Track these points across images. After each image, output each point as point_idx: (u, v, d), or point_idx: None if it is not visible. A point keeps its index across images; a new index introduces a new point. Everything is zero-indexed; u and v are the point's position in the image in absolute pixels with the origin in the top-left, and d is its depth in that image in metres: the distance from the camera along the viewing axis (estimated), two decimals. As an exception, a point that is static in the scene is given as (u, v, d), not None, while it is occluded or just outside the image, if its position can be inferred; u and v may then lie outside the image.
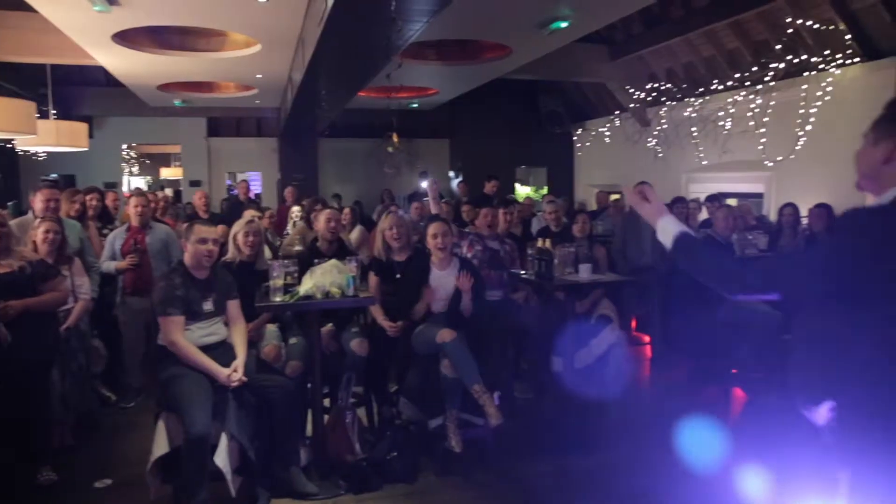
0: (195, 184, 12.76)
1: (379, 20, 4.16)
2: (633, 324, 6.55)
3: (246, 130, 13.53)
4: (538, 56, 7.99)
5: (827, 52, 7.02)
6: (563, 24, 6.21)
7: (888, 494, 1.41)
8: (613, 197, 10.38)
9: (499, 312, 4.45)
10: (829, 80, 7.04)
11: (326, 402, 3.97)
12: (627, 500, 3.36)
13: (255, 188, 12.72)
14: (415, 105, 11.82)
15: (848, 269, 1.44)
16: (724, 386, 4.95)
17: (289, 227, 6.51)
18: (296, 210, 6.58)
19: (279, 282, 3.52)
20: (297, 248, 5.04)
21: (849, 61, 6.91)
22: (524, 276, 4.51)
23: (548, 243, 4.27)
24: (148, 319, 4.69)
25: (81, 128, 7.73)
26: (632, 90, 10.11)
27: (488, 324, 4.11)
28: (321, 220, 4.28)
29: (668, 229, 1.80)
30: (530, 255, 4.36)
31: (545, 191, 13.84)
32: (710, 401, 4.75)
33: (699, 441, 3.75)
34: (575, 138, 13.15)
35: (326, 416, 3.77)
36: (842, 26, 6.84)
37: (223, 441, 3.10)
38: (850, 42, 6.87)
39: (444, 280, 4.00)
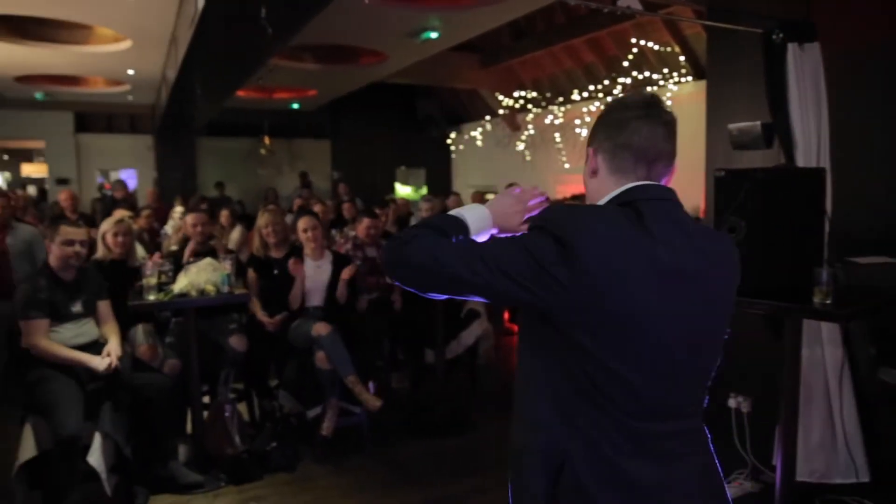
0: (62, 182, 11.95)
1: (249, 26, 4.27)
2: (506, 315, 6.99)
3: (118, 127, 12.88)
4: (412, 62, 8.33)
5: (666, 70, 7.89)
6: (433, 35, 6.60)
7: None
8: (488, 196, 10.94)
9: (376, 310, 4.70)
10: (669, 95, 7.91)
11: (207, 399, 4.05)
12: (497, 468, 3.60)
13: (132, 186, 12.10)
14: (295, 106, 11.80)
15: None
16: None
17: (168, 227, 6.36)
18: (178, 210, 6.46)
19: (153, 280, 3.57)
20: (174, 248, 5.02)
21: (683, 79, 7.80)
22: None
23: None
24: (10, 324, 4.50)
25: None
26: (501, 97, 10.69)
27: (367, 320, 4.35)
28: (188, 223, 4.25)
29: None
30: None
31: (424, 190, 14.23)
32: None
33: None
34: (449, 141, 13.65)
35: (206, 413, 3.86)
36: (677, 49, 7.71)
37: (97, 440, 3.12)
38: (683, 62, 7.76)
39: (317, 271, 4.17)
